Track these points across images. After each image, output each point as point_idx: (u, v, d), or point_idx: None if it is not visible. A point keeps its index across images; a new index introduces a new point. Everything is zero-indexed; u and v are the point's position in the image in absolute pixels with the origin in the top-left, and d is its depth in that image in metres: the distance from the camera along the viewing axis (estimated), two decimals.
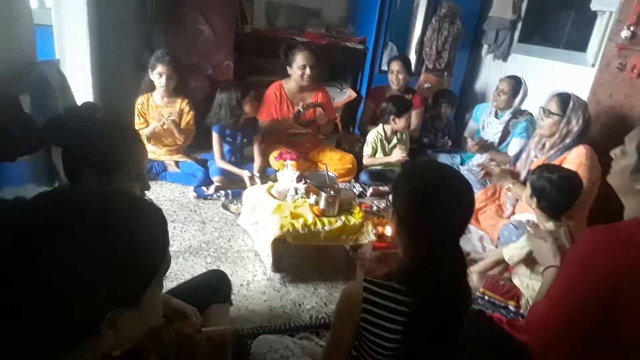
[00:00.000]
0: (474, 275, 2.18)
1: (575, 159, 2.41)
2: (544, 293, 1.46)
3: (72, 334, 0.61)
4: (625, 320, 1.04)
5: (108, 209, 0.67)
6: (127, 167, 1.21)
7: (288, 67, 3.43)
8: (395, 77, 3.88)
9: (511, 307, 2.01)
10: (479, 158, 3.57)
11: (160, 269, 0.70)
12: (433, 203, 1.06)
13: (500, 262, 2.16)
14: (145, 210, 0.72)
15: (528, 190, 2.06)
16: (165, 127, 3.29)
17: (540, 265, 1.95)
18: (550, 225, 1.97)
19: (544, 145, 2.67)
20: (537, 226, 2.02)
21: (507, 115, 3.54)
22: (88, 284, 0.60)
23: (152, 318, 0.74)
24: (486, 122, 3.74)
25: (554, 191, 1.94)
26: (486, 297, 2.05)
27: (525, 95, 3.48)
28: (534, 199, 2.01)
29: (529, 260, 1.99)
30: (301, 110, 3.40)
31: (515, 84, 3.49)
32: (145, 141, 3.30)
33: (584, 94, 2.94)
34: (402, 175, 1.23)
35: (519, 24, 4.34)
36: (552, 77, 3.80)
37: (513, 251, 2.03)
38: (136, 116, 3.29)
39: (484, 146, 3.54)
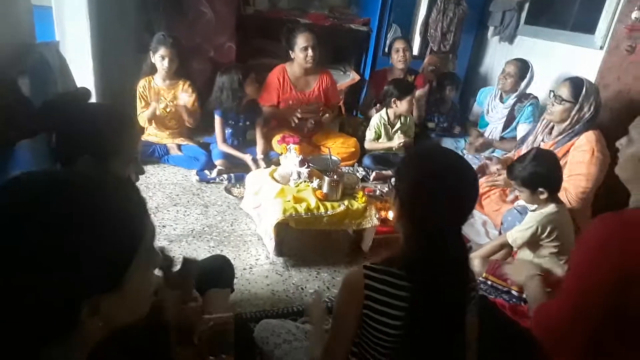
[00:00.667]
0: (476, 260, 2.17)
1: (586, 146, 2.38)
2: (535, 300, 1.45)
3: (49, 324, 0.60)
4: (638, 308, 1.02)
5: (77, 190, 0.63)
6: (121, 152, 1.19)
7: (290, 52, 3.37)
8: (401, 55, 3.82)
9: (514, 292, 2.00)
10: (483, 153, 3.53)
11: (139, 250, 0.66)
12: (436, 189, 1.04)
13: (504, 245, 2.15)
14: (117, 190, 0.68)
15: (526, 190, 2.02)
16: (168, 109, 3.27)
17: (543, 248, 1.96)
18: (551, 207, 1.96)
19: (551, 129, 2.63)
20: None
21: (512, 99, 3.49)
22: (59, 270, 0.57)
23: (140, 301, 0.72)
24: (491, 106, 3.69)
25: (529, 167, 1.96)
26: (489, 282, 2.05)
27: (531, 79, 3.42)
28: (539, 191, 1.99)
29: (532, 243, 1.98)
30: (311, 125, 3.44)
31: (522, 67, 3.43)
32: (147, 124, 3.28)
33: (591, 77, 2.90)
34: (405, 160, 1.21)
35: (526, 5, 4.25)
36: (559, 59, 3.74)
37: (517, 234, 2.02)
38: (138, 99, 3.26)
39: (485, 145, 3.51)
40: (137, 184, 1.26)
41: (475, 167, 2.65)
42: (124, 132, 1.24)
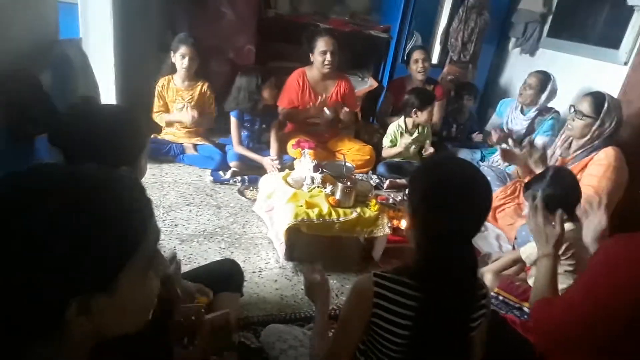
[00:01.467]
0: (488, 275, 2.14)
1: (604, 160, 2.33)
2: (540, 288, 1.39)
3: (32, 319, 0.57)
4: None
5: (72, 185, 0.60)
6: (126, 159, 1.21)
7: (310, 54, 3.38)
8: (420, 66, 3.80)
9: (525, 309, 1.97)
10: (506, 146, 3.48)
11: (137, 252, 0.63)
12: (448, 199, 1.03)
13: (518, 261, 2.11)
14: (117, 188, 0.65)
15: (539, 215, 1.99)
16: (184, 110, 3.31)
17: (559, 265, 1.91)
18: (568, 225, 1.92)
19: (570, 144, 2.58)
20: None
21: (533, 112, 3.45)
22: (46, 265, 0.55)
23: (137, 307, 0.68)
24: (511, 118, 3.64)
25: (557, 189, 1.90)
26: (500, 298, 2.02)
27: (553, 92, 3.37)
28: (558, 213, 1.95)
29: None
30: (327, 112, 3.37)
31: (544, 80, 3.38)
32: (163, 124, 3.32)
33: (614, 92, 2.84)
34: (420, 169, 1.21)
35: (549, 18, 4.20)
36: (582, 74, 3.67)
37: (530, 249, 1.98)
38: (156, 98, 3.30)
39: (505, 137, 3.46)
40: (152, 182, 1.27)
41: (491, 180, 2.61)
42: (129, 141, 1.25)
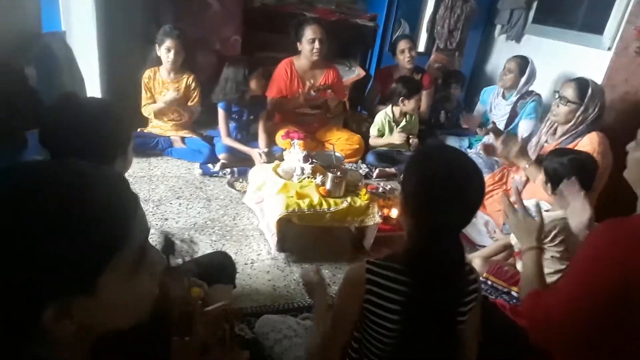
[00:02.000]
0: (477, 260, 2.18)
1: (588, 146, 2.37)
2: (528, 280, 1.42)
3: (4, 324, 0.55)
4: (635, 314, 1.03)
5: (46, 181, 0.57)
6: (109, 153, 1.20)
7: (298, 43, 3.37)
8: (407, 56, 3.80)
9: (514, 293, 2.00)
10: (486, 139, 3.52)
11: (120, 252, 0.60)
12: (439, 187, 1.04)
13: (507, 247, 2.14)
14: (95, 182, 0.61)
15: (542, 176, 2.03)
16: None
17: (546, 251, 1.94)
18: (560, 212, 1.95)
19: (555, 130, 2.62)
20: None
21: (514, 97, 3.48)
22: (17, 267, 0.52)
23: (128, 305, 0.65)
24: (494, 104, 3.68)
25: (568, 174, 1.91)
26: (489, 282, 2.05)
27: (532, 75, 3.40)
28: (549, 185, 1.98)
29: None
30: (313, 93, 3.36)
31: (522, 63, 3.42)
32: (151, 116, 3.29)
33: (598, 78, 2.87)
34: (413, 157, 1.22)
35: (534, 4, 4.22)
36: (567, 59, 3.71)
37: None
38: (143, 91, 3.26)
39: (496, 131, 3.50)
40: (140, 176, 1.25)
41: (479, 166, 2.63)
42: (114, 135, 1.23)
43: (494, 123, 3.20)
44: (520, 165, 2.65)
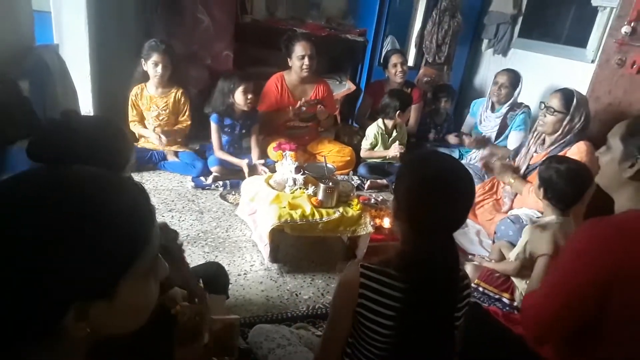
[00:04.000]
0: (469, 266, 2.19)
1: (577, 155, 2.41)
2: (535, 283, 1.47)
3: (30, 325, 0.56)
4: (621, 310, 1.05)
5: (74, 188, 0.59)
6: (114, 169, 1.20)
7: (288, 59, 3.41)
8: (400, 70, 3.86)
9: (505, 300, 2.01)
10: (478, 152, 3.57)
11: (138, 258, 0.62)
12: (432, 192, 1.06)
13: (510, 273, 2.08)
14: (121, 193, 0.63)
15: (536, 180, 2.05)
16: (160, 118, 3.28)
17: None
18: (554, 218, 1.97)
19: (544, 140, 2.67)
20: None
21: (504, 109, 3.55)
22: (46, 271, 0.54)
23: (136, 312, 0.67)
24: (483, 117, 3.74)
25: (562, 182, 1.94)
26: (480, 289, 2.06)
27: (520, 88, 3.50)
28: (541, 190, 2.01)
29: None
30: (303, 108, 3.39)
31: (514, 77, 3.50)
32: (137, 135, 3.29)
33: (582, 90, 2.93)
34: (405, 163, 1.24)
35: (520, 19, 4.33)
36: (552, 72, 3.80)
37: (517, 248, 2.03)
38: (130, 107, 3.26)
39: (482, 141, 3.56)
40: None
41: (473, 173, 2.67)
42: (116, 153, 1.22)
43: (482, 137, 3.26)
44: (504, 180, 2.70)
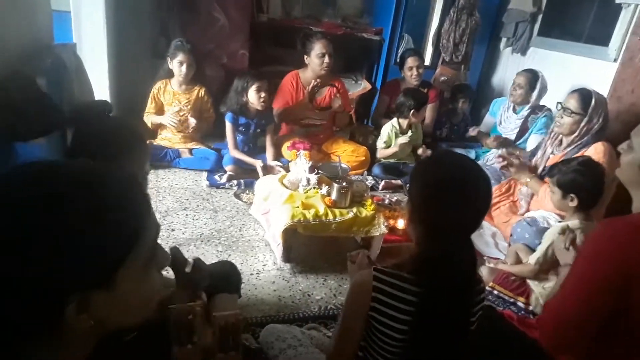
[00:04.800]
0: (484, 269, 2.16)
1: (594, 156, 2.36)
2: (553, 290, 1.44)
3: (31, 318, 0.57)
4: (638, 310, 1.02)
5: (70, 180, 0.61)
6: (131, 165, 1.25)
7: (305, 56, 3.39)
8: (415, 73, 3.82)
9: (520, 304, 1.98)
10: (496, 153, 3.51)
11: (136, 247, 0.63)
12: (449, 195, 1.04)
13: (527, 275, 2.06)
14: (114, 183, 0.65)
15: (558, 192, 2.00)
16: (182, 113, 3.32)
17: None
18: (576, 222, 1.94)
19: (560, 141, 2.61)
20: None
21: (525, 111, 3.48)
22: (44, 262, 0.55)
23: (137, 302, 0.67)
24: (504, 117, 3.68)
25: (569, 169, 1.92)
26: (495, 292, 2.03)
27: (543, 89, 3.41)
28: (570, 197, 1.96)
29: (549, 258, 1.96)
30: (317, 85, 3.36)
31: (532, 78, 3.42)
32: (150, 126, 3.34)
33: (604, 89, 2.87)
34: (421, 163, 1.22)
35: (539, 17, 4.25)
36: (572, 71, 3.72)
37: (538, 253, 1.99)
38: (150, 99, 3.32)
39: (503, 142, 3.49)
40: (148, 188, 1.30)
41: (490, 174, 2.62)
42: (137, 150, 1.30)
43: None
44: (521, 180, 2.65)
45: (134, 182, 0.68)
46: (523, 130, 3.50)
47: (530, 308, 1.95)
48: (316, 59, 3.33)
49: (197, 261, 1.34)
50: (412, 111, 3.43)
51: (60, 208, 0.57)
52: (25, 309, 0.56)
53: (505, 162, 2.71)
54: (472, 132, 3.90)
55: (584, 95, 2.47)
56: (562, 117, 2.52)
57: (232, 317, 1.20)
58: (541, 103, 3.47)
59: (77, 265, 0.57)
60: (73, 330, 0.60)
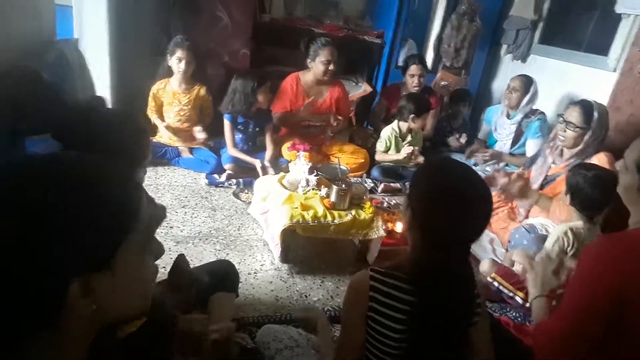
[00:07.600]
0: (486, 262, 2.18)
1: None
2: (537, 320, 1.42)
3: (34, 304, 0.58)
4: (632, 330, 1.02)
5: (68, 167, 0.64)
6: (129, 161, 1.23)
7: (309, 60, 3.39)
8: (416, 82, 3.82)
9: (518, 299, 1.98)
10: (490, 169, 3.50)
11: (133, 230, 0.65)
12: (447, 202, 1.03)
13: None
14: (105, 170, 0.68)
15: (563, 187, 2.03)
16: (182, 113, 3.31)
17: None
18: (579, 223, 1.95)
19: (561, 152, 2.61)
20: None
21: (518, 115, 3.49)
22: (44, 245, 0.56)
23: (136, 286, 0.69)
24: (498, 124, 3.69)
25: (588, 187, 1.92)
26: (495, 284, 2.03)
27: (535, 94, 3.41)
28: (568, 196, 1.98)
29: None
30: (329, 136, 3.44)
31: (526, 82, 3.44)
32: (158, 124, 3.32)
33: (603, 99, 2.89)
34: (422, 169, 1.21)
35: (540, 25, 4.27)
36: (572, 80, 3.74)
37: (548, 246, 2.00)
38: (150, 99, 3.30)
39: (497, 156, 3.49)
40: (147, 184, 1.29)
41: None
42: (136, 145, 1.28)
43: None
44: (528, 203, 2.59)
45: (127, 171, 0.72)
46: (518, 135, 3.51)
47: (528, 304, 1.95)
48: (321, 65, 3.32)
49: (180, 257, 1.33)
50: (412, 116, 3.44)
51: (58, 194, 0.59)
52: (28, 297, 0.57)
53: (504, 196, 2.55)
54: (462, 139, 3.90)
55: (586, 107, 2.45)
56: (565, 131, 2.50)
57: (227, 328, 1.21)
58: (534, 108, 3.49)
59: (78, 248, 0.59)
60: (75, 317, 0.61)
